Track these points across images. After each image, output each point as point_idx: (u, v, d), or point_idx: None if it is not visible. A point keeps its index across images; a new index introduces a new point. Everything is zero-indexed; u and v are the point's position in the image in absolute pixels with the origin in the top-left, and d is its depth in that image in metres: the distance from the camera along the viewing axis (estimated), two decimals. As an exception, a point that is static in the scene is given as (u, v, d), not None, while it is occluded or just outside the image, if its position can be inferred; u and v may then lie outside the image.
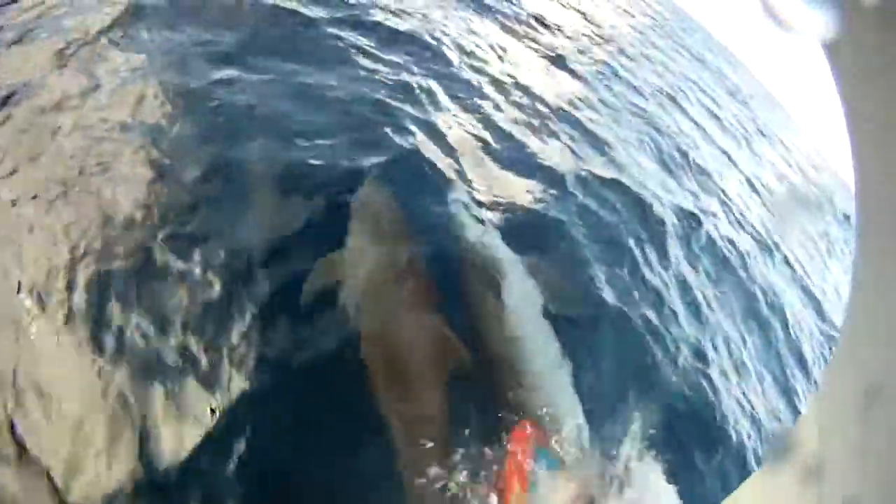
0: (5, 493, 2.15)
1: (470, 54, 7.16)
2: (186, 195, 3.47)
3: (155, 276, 2.99)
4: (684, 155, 8.11)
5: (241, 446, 2.57)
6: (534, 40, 9.21)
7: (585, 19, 12.44)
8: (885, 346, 1.19)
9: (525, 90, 6.98)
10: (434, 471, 2.52)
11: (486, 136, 5.47)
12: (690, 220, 6.17)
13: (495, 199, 4.54)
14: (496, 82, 6.79)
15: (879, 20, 0.99)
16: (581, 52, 9.86)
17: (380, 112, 4.93)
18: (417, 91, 5.54)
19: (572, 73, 8.56)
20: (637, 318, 4.18)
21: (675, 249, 5.48)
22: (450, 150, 4.87)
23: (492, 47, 7.87)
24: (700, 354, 4.43)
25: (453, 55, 6.81)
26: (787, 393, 5.10)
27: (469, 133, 5.36)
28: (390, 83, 5.44)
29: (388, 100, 5.12)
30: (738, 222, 7.51)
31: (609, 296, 4.16)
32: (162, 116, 3.95)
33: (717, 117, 11.81)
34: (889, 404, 1.12)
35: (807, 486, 1.30)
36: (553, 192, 5.02)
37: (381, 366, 2.97)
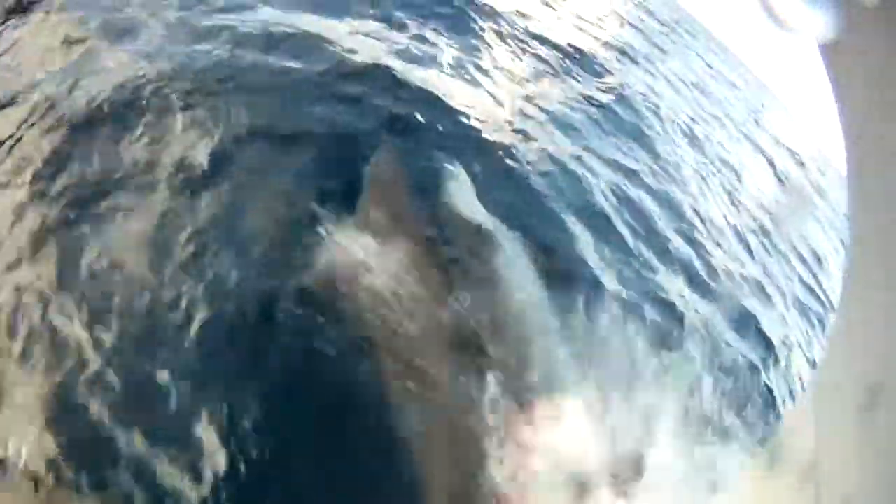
0: None
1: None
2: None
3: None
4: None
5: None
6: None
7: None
8: (883, 345, 1.19)
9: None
10: None
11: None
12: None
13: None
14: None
15: (879, 20, 1.00)
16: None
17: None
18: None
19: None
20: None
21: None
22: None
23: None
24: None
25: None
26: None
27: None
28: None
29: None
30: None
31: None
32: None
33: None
34: (888, 404, 1.13)
35: (805, 485, 1.31)
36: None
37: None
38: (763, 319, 5.19)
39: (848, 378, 1.29)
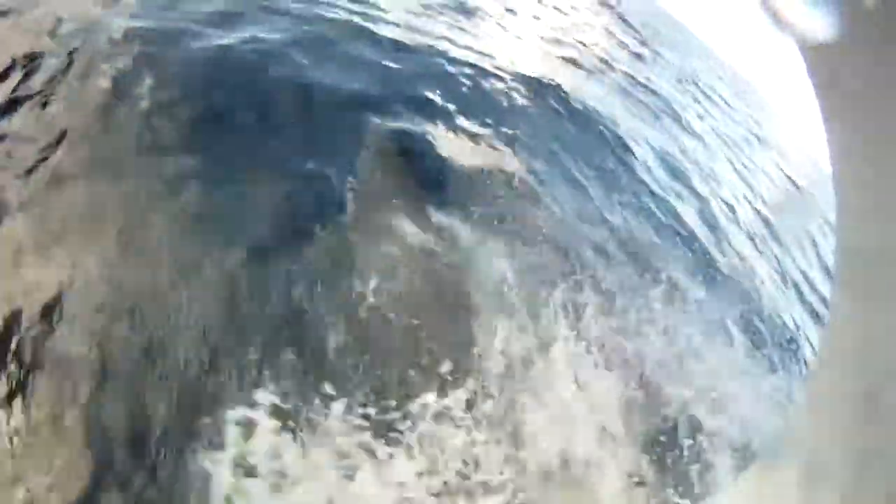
0: None
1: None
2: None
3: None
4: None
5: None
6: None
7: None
8: (882, 347, 1.19)
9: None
10: None
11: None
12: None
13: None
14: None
15: (879, 21, 1.00)
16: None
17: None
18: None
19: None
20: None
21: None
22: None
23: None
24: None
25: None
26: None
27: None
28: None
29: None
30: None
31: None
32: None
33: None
34: (887, 405, 1.12)
35: (805, 485, 1.30)
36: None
37: None
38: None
39: (848, 380, 1.29)
